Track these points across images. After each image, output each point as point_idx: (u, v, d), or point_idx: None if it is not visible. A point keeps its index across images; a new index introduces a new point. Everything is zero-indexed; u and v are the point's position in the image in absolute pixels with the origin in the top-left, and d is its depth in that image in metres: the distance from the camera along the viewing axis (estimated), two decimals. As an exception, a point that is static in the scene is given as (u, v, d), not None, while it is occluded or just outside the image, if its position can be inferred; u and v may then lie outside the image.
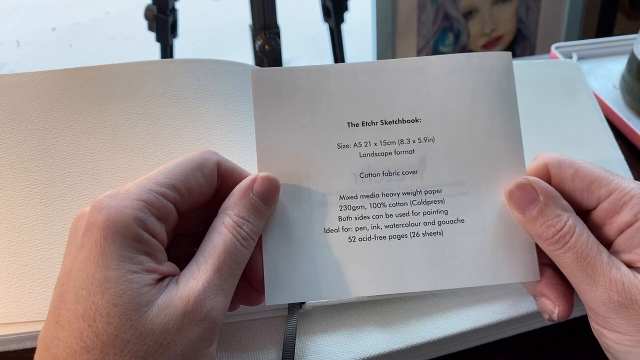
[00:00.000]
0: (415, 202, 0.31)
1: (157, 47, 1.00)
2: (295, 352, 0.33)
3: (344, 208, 0.31)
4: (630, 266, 0.29)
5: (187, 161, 0.29)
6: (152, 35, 0.99)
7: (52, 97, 0.40)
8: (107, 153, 0.39)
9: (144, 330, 0.24)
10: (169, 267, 0.27)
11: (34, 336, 0.33)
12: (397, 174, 0.31)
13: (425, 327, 0.35)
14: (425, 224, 0.31)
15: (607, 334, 0.28)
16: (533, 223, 0.30)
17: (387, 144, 0.31)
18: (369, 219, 0.31)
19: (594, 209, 0.31)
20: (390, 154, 0.31)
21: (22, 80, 0.40)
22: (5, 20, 2.06)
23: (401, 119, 0.32)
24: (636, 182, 0.30)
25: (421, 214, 0.31)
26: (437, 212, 0.31)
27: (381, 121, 0.32)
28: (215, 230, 0.28)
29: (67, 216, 0.36)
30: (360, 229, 0.31)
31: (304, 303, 0.34)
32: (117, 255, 0.25)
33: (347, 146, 0.31)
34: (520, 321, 0.36)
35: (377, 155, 0.31)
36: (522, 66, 0.49)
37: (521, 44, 1.38)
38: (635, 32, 0.57)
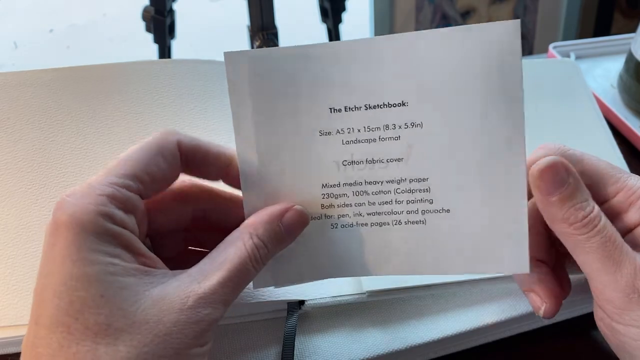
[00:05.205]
0: (398, 190, 0.30)
1: (154, 48, 1.00)
2: (295, 352, 0.33)
3: (326, 196, 0.30)
4: None
5: (147, 146, 0.29)
6: (150, 37, 0.99)
7: (47, 96, 0.40)
8: (103, 153, 0.38)
9: (136, 319, 0.24)
10: (148, 256, 0.27)
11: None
12: (381, 161, 0.30)
13: (425, 328, 0.34)
14: (408, 212, 0.30)
15: (623, 329, 0.27)
16: (560, 205, 0.28)
17: (371, 129, 0.30)
18: (351, 206, 0.30)
19: (600, 206, 0.30)
20: (374, 140, 0.30)
21: (16, 79, 0.40)
22: (2, 21, 2.06)
23: (386, 103, 0.30)
24: None
25: (404, 202, 0.30)
26: (422, 200, 0.30)
27: (365, 105, 0.30)
28: (233, 244, 0.28)
29: (64, 217, 0.36)
30: (342, 216, 0.31)
31: (303, 303, 0.34)
32: (92, 249, 0.25)
33: (329, 133, 0.30)
34: (520, 321, 0.36)
35: (360, 141, 0.30)
36: (520, 65, 0.49)
37: (519, 43, 1.38)
38: (633, 31, 0.57)
